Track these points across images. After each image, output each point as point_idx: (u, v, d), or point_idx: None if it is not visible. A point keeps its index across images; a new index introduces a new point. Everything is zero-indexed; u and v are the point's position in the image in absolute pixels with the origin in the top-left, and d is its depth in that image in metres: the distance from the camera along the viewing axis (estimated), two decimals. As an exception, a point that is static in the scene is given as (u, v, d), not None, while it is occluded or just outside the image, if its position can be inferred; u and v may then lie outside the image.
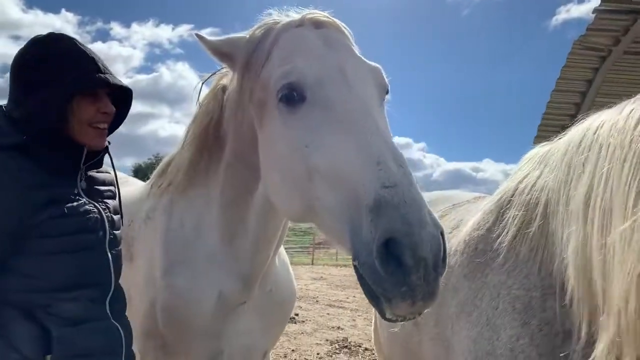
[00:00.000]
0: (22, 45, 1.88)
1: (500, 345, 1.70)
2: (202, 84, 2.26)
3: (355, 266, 1.37)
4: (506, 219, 1.85)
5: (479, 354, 1.77)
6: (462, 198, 2.79)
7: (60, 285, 1.76)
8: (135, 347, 2.42)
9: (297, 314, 10.93)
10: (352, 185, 1.42)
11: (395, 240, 1.27)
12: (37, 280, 1.74)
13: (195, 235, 2.27)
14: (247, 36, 1.92)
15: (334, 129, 1.55)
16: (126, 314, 2.05)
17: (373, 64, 1.79)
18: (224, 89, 2.15)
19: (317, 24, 1.83)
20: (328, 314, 11.61)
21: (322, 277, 20.71)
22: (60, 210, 1.77)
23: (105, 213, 1.95)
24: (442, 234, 1.33)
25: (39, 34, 1.91)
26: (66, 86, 1.78)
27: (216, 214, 2.20)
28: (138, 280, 2.40)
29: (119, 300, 1.98)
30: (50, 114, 1.77)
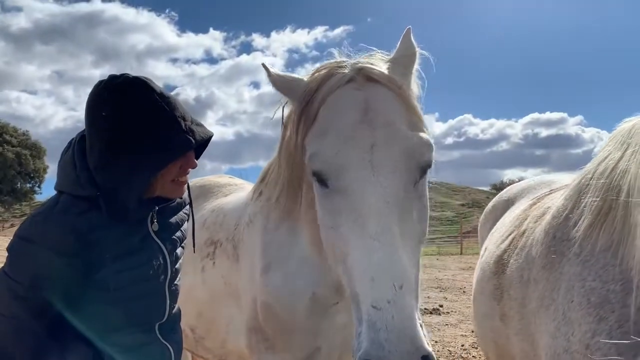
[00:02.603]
0: (95, 88, 1.76)
1: (574, 342, 1.56)
2: (283, 107, 2.22)
3: None
4: (583, 204, 1.69)
5: (557, 351, 1.64)
6: (563, 182, 2.57)
7: (114, 327, 1.82)
8: (242, 342, 2.63)
9: (441, 306, 10.74)
10: (355, 289, 1.52)
11: None
12: (92, 322, 1.78)
13: (290, 239, 2.36)
14: (306, 82, 1.90)
15: (350, 222, 1.59)
16: (181, 324, 2.13)
17: (416, 136, 1.67)
18: None
19: (369, 78, 1.76)
20: (475, 304, 11.22)
21: (471, 267, 20.00)
22: (125, 264, 1.78)
23: (170, 256, 1.96)
24: (424, 357, 1.36)
25: (114, 75, 1.79)
26: (150, 165, 1.74)
27: (303, 220, 2.25)
28: (243, 279, 2.58)
29: (170, 319, 2.01)
30: (135, 192, 1.76)
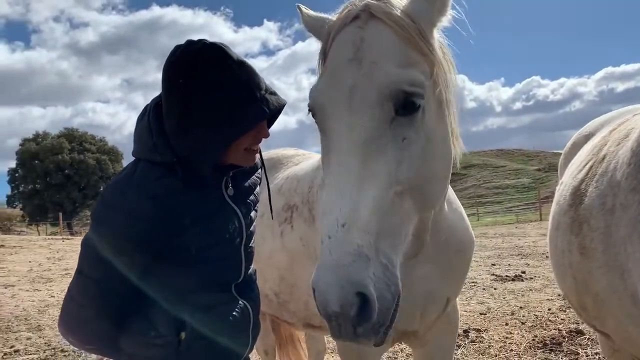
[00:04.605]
0: (172, 54, 1.76)
1: None
2: None
3: None
4: None
5: None
6: (648, 108, 2.36)
7: (193, 287, 1.87)
8: None
9: (523, 272, 10.41)
10: None
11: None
12: (173, 284, 1.84)
13: None
14: (331, 20, 1.87)
15: (327, 161, 1.65)
16: (257, 281, 2.17)
17: (398, 73, 1.60)
18: None
19: (372, 15, 1.71)
20: (559, 268, 10.77)
21: (552, 232, 19.25)
22: (202, 229, 1.82)
23: (245, 219, 2.00)
24: (360, 293, 1.39)
25: (191, 40, 1.78)
26: (224, 135, 1.75)
27: None
28: (320, 239, 2.58)
29: (246, 279, 2.05)
30: (209, 160, 1.79)
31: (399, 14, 1.70)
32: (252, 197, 2.09)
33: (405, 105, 1.61)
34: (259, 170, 2.20)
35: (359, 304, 1.40)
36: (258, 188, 2.18)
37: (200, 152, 1.76)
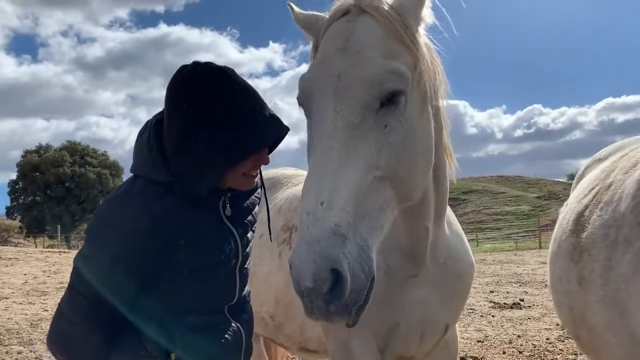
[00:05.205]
0: (178, 74, 1.76)
1: None
2: None
3: None
4: None
5: None
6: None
7: (186, 308, 1.83)
8: (319, 325, 2.59)
9: (522, 300, 10.32)
10: None
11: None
12: (165, 304, 1.80)
13: None
14: (324, 17, 1.92)
15: (311, 145, 1.69)
16: (250, 303, 2.13)
17: (382, 64, 1.65)
18: None
19: (361, 9, 1.77)
20: (558, 297, 10.64)
21: (551, 260, 19.07)
22: (198, 249, 1.78)
23: (241, 240, 1.95)
24: (334, 270, 1.40)
25: (198, 62, 1.78)
26: (223, 161, 1.74)
27: None
28: None
29: (240, 300, 2.01)
30: (206, 183, 1.76)
31: (387, 8, 1.77)
32: (249, 218, 2.06)
33: (390, 97, 1.66)
34: (259, 190, 2.17)
35: (331, 281, 1.41)
36: (257, 208, 2.15)
37: (198, 175, 1.74)
